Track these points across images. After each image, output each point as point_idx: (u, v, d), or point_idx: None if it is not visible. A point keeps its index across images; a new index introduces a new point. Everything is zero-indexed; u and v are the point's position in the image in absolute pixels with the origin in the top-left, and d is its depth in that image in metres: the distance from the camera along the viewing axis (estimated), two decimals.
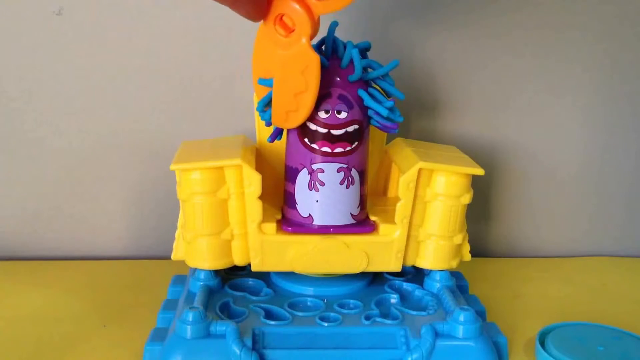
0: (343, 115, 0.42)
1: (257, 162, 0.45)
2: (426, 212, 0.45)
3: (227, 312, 0.43)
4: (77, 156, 0.57)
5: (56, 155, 0.57)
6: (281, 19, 0.38)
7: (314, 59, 0.38)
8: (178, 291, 0.48)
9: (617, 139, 0.61)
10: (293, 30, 0.38)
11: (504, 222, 0.62)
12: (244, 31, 0.50)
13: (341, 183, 0.44)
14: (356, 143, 0.43)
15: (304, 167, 0.44)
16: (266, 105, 0.42)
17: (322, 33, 0.43)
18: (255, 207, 0.43)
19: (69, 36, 0.54)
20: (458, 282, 0.50)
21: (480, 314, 0.45)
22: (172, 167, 0.43)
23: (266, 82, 0.41)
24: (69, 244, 0.59)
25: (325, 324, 0.41)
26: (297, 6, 0.37)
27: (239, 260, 0.45)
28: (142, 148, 0.57)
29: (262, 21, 0.39)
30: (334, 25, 0.43)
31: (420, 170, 0.44)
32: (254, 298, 0.45)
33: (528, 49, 0.58)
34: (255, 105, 0.48)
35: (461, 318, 0.40)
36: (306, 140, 0.43)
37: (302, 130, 0.43)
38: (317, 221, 0.44)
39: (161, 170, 0.57)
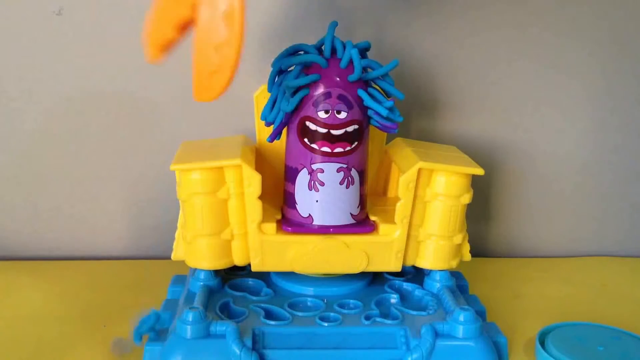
0: (343, 115, 0.42)
1: (257, 162, 0.45)
2: (426, 212, 0.45)
3: (227, 312, 0.43)
4: (77, 156, 0.57)
5: (56, 155, 0.57)
6: None
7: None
8: (178, 291, 0.48)
9: (617, 139, 0.61)
10: None
11: (504, 222, 0.62)
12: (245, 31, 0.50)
13: (341, 183, 0.44)
14: (356, 143, 0.43)
15: (304, 167, 0.44)
16: (271, 108, 0.42)
17: (322, 33, 0.44)
18: (255, 207, 0.43)
19: (69, 36, 0.54)
20: (458, 282, 0.50)
21: (480, 314, 0.45)
22: (172, 167, 0.43)
23: None
24: (69, 244, 0.59)
25: (325, 324, 0.41)
26: None
27: (239, 260, 0.45)
28: (142, 148, 0.57)
29: None
30: (333, 25, 0.43)
31: (420, 170, 0.44)
32: (254, 298, 0.45)
33: (528, 49, 0.58)
34: (255, 105, 0.48)
35: (461, 318, 0.40)
36: (306, 140, 0.43)
37: (302, 130, 0.43)
38: (317, 221, 0.44)
39: (161, 170, 0.57)
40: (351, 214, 0.45)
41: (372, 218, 0.46)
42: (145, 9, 0.54)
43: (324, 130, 0.43)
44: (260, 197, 0.43)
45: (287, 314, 0.42)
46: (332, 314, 0.43)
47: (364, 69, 0.43)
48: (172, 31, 0.35)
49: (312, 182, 0.44)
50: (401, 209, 0.44)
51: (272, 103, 0.43)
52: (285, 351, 0.39)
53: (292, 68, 0.43)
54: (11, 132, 0.56)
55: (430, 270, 0.47)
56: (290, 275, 0.47)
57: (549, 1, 0.57)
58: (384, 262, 0.45)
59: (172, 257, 0.47)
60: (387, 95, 0.45)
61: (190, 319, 0.39)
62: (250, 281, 0.48)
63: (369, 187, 0.47)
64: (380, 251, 0.45)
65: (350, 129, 0.43)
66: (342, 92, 0.42)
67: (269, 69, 0.44)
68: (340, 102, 0.42)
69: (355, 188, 0.44)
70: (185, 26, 0.35)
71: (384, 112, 0.42)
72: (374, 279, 0.48)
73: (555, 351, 0.41)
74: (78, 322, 0.46)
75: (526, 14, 0.57)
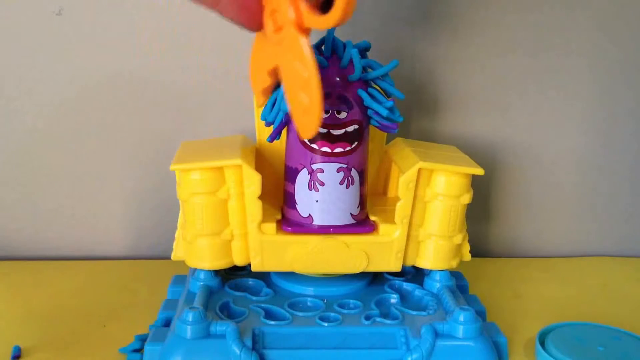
0: (343, 115, 0.42)
1: (257, 162, 0.45)
2: (426, 212, 0.45)
3: (227, 312, 0.43)
4: (77, 156, 0.57)
5: (56, 155, 0.57)
6: (274, 15, 0.35)
7: (302, 42, 0.34)
8: (178, 291, 0.48)
9: (617, 139, 0.61)
10: (282, 28, 0.35)
11: (504, 222, 0.62)
12: (245, 31, 0.50)
13: (341, 183, 0.44)
14: (356, 143, 0.43)
15: (304, 167, 0.44)
16: (271, 108, 0.42)
17: (322, 33, 0.43)
18: (255, 207, 0.43)
19: (69, 36, 0.54)
20: (458, 282, 0.50)
21: (480, 314, 0.45)
22: (172, 167, 0.43)
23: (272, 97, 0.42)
24: (69, 244, 0.59)
25: (325, 324, 0.41)
26: (286, 4, 0.34)
27: (239, 260, 0.45)
28: (142, 148, 0.57)
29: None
30: None
31: (420, 170, 0.44)
32: (254, 298, 0.45)
33: (528, 49, 0.58)
34: (256, 105, 0.48)
35: (461, 318, 0.40)
36: (306, 140, 0.43)
37: None
38: (317, 221, 0.44)
39: (161, 170, 0.57)
40: (351, 214, 0.45)
41: (372, 218, 0.46)
42: (144, 9, 0.54)
43: (323, 130, 0.43)
44: (260, 197, 0.43)
45: (287, 314, 0.42)
46: (332, 314, 0.43)
47: (364, 69, 0.43)
48: (267, 78, 0.38)
49: (312, 182, 0.44)
50: (401, 209, 0.44)
51: (272, 103, 0.43)
52: (285, 351, 0.39)
53: None
54: (11, 132, 0.56)
55: (430, 270, 0.47)
56: (290, 275, 0.47)
57: (551, 0, 0.57)
58: (384, 262, 0.45)
59: (172, 257, 0.47)
60: (387, 95, 0.45)
61: (190, 319, 0.39)
62: (250, 281, 0.48)
63: (369, 187, 0.47)
64: (380, 251, 0.45)
65: (350, 129, 0.43)
66: (342, 92, 0.42)
67: None
68: (340, 102, 0.42)
69: (355, 188, 0.44)
70: (275, 71, 0.38)
71: (384, 112, 0.42)
72: (374, 279, 0.48)
73: (555, 351, 0.41)
74: (78, 322, 0.46)
75: (527, 13, 0.57)
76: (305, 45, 0.34)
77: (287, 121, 0.44)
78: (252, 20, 0.36)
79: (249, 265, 0.45)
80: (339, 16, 0.31)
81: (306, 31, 0.34)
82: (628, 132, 0.61)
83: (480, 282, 0.54)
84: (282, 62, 0.37)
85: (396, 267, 0.45)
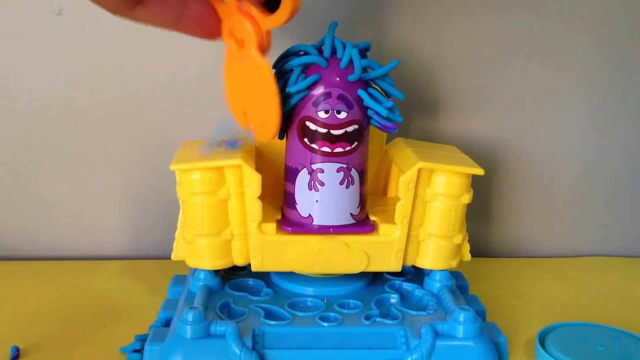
0: (343, 115, 0.42)
1: (257, 162, 0.45)
2: (426, 212, 0.45)
3: (227, 312, 0.43)
4: (77, 156, 0.57)
5: (56, 155, 0.57)
6: (233, 33, 0.38)
7: (264, 66, 0.38)
8: (178, 291, 0.48)
9: (617, 140, 0.61)
10: (243, 42, 0.38)
11: (505, 222, 0.62)
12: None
13: (341, 183, 0.44)
14: (356, 143, 0.43)
15: (304, 167, 0.44)
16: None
17: (322, 33, 0.44)
18: (255, 207, 0.43)
19: (69, 36, 0.54)
20: (458, 282, 0.50)
21: (480, 314, 0.45)
22: (172, 167, 0.43)
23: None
24: (68, 244, 0.59)
25: (325, 324, 0.41)
26: (243, 19, 0.37)
27: (239, 260, 0.45)
28: (142, 148, 0.57)
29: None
30: (333, 25, 0.43)
31: (420, 170, 0.44)
32: (254, 298, 0.45)
33: (528, 49, 0.58)
34: None
35: (461, 318, 0.40)
36: (306, 140, 0.43)
37: (302, 130, 0.43)
38: (317, 221, 0.44)
39: (161, 170, 0.57)
40: (351, 214, 0.45)
41: (372, 218, 0.46)
42: None
43: (324, 130, 0.43)
44: (260, 197, 0.43)
45: (287, 314, 0.42)
46: (332, 314, 0.43)
47: (364, 69, 0.43)
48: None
49: (312, 182, 0.44)
50: (401, 209, 0.44)
51: None
52: (285, 351, 0.39)
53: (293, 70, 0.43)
54: (11, 131, 0.56)
55: (430, 270, 0.47)
56: (290, 275, 0.47)
57: (550, 1, 0.57)
58: (384, 262, 0.45)
59: (172, 257, 0.47)
60: (387, 95, 0.45)
61: (190, 319, 0.39)
62: (250, 281, 0.48)
63: (369, 187, 0.47)
64: (380, 251, 0.45)
65: (350, 129, 0.43)
66: (342, 92, 0.42)
67: None
68: (340, 102, 0.42)
69: (355, 188, 0.44)
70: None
71: (384, 112, 0.42)
72: (374, 279, 0.48)
73: (555, 351, 0.41)
74: (78, 322, 0.46)
75: (527, 14, 0.57)
76: (265, 67, 0.38)
77: (284, 120, 0.44)
78: (212, 32, 0.39)
79: (249, 265, 0.45)
80: (287, 14, 0.34)
81: (265, 49, 0.38)
82: (628, 132, 0.61)
83: (480, 282, 0.54)
84: (245, 79, 0.40)
85: (396, 267, 0.45)
